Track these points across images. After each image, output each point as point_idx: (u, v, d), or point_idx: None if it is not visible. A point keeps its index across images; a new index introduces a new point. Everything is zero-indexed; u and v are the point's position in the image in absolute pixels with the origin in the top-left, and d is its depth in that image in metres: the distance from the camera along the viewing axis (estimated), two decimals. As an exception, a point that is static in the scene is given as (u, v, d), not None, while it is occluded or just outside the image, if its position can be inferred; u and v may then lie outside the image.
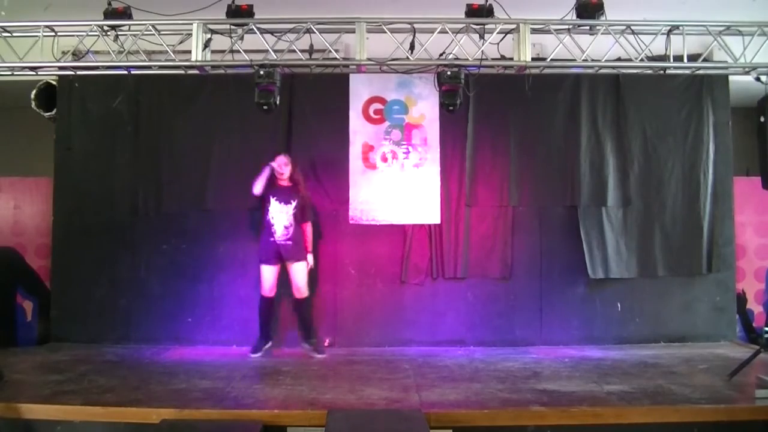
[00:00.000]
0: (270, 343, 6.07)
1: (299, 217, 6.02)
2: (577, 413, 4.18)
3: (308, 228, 6.12)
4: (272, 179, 6.03)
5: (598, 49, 5.25)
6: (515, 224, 6.62)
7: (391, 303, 6.56)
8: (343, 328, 6.48)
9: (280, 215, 5.96)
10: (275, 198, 5.99)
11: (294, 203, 6.00)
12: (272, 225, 5.96)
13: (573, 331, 6.54)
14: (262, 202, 6.03)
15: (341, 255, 6.55)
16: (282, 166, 5.99)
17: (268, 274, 6.00)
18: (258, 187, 5.95)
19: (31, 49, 5.26)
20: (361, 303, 6.56)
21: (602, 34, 5.26)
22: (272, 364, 5.69)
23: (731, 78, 6.48)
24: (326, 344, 6.18)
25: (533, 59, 5.30)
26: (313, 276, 6.22)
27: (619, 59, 5.42)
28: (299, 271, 5.98)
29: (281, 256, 5.98)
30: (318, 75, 5.57)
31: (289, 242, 5.96)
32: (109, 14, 5.14)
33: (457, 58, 5.21)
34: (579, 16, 5.14)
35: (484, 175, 6.64)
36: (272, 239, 5.96)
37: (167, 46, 5.22)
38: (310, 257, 6.10)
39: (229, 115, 6.54)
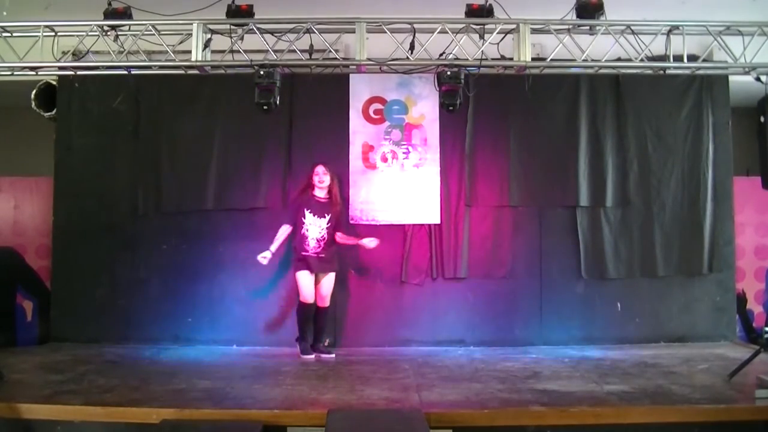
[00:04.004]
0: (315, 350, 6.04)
1: (332, 231, 5.96)
2: (577, 413, 4.18)
3: (340, 235, 6.03)
4: (308, 191, 5.98)
5: (598, 49, 5.24)
6: (515, 224, 6.62)
7: (391, 303, 6.56)
8: (343, 328, 6.48)
9: (314, 228, 5.91)
10: (310, 211, 5.92)
11: (328, 217, 5.93)
12: (306, 238, 5.91)
13: (573, 331, 6.54)
14: (296, 214, 5.95)
15: (341, 255, 6.53)
16: (321, 175, 5.93)
17: (307, 280, 5.91)
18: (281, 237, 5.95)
19: (31, 49, 5.26)
20: (361, 303, 6.56)
21: (602, 34, 5.25)
22: (272, 364, 5.69)
23: (731, 78, 6.48)
24: (326, 344, 6.18)
25: (533, 59, 5.30)
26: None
27: (619, 59, 5.42)
28: (328, 282, 5.98)
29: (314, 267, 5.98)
30: (318, 75, 5.57)
31: (322, 255, 5.91)
32: (109, 14, 5.14)
33: (457, 58, 5.20)
34: (579, 16, 5.13)
35: (484, 175, 6.64)
36: (306, 253, 5.91)
37: (167, 46, 5.21)
38: (366, 241, 6.07)
39: (229, 115, 6.55)
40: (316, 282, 5.96)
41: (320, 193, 5.97)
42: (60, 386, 4.72)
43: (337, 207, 6.03)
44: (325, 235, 5.93)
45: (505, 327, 6.55)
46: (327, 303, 6.03)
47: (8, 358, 5.52)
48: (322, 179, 5.95)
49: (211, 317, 6.52)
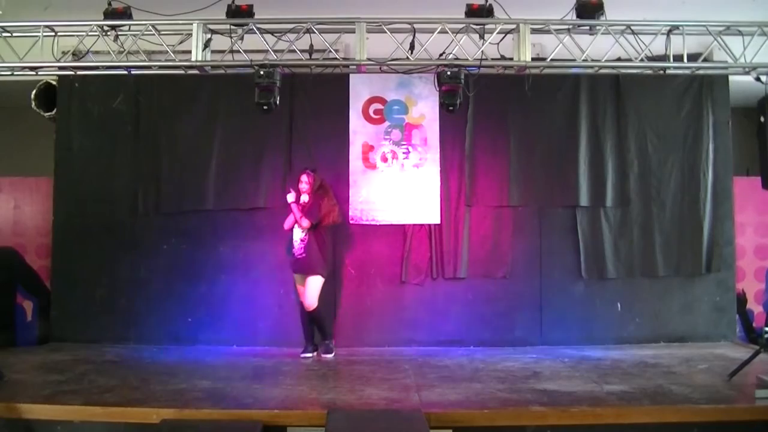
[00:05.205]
0: (314, 349, 6.03)
1: (311, 234, 5.93)
2: (577, 413, 4.18)
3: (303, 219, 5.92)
4: (297, 197, 6.02)
5: (598, 49, 5.24)
6: (515, 224, 6.62)
7: (391, 303, 6.57)
8: (343, 328, 6.47)
9: (296, 230, 5.98)
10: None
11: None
12: (292, 238, 6.00)
13: (573, 331, 6.54)
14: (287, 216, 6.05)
15: (341, 255, 6.55)
16: (303, 183, 6.00)
17: (298, 282, 6.06)
18: (287, 224, 6.01)
19: (31, 49, 5.26)
20: (361, 303, 6.56)
21: (602, 34, 5.25)
22: (272, 364, 5.69)
23: (731, 78, 6.47)
24: (325, 342, 6.17)
25: (533, 59, 5.29)
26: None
27: (619, 59, 5.41)
28: (309, 285, 5.94)
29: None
30: (318, 75, 5.57)
31: (303, 255, 5.94)
32: (109, 14, 5.13)
33: (457, 58, 5.20)
34: (579, 16, 5.13)
35: (484, 175, 6.65)
36: (292, 253, 6.00)
37: (167, 46, 5.21)
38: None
39: (229, 115, 6.56)
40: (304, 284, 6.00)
41: (303, 197, 6.02)
42: (60, 386, 4.73)
43: (313, 209, 5.96)
44: (306, 236, 5.93)
45: (505, 327, 6.55)
46: (310, 306, 5.93)
47: (8, 358, 5.53)
48: (302, 188, 6.02)
49: (212, 317, 6.52)
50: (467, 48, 5.24)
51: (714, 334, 6.56)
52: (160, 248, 6.59)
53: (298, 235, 5.97)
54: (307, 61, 5.38)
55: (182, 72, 5.38)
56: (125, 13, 5.14)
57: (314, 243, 5.94)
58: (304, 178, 6.03)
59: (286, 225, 6.04)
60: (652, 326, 6.57)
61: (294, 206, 5.93)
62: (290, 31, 5.25)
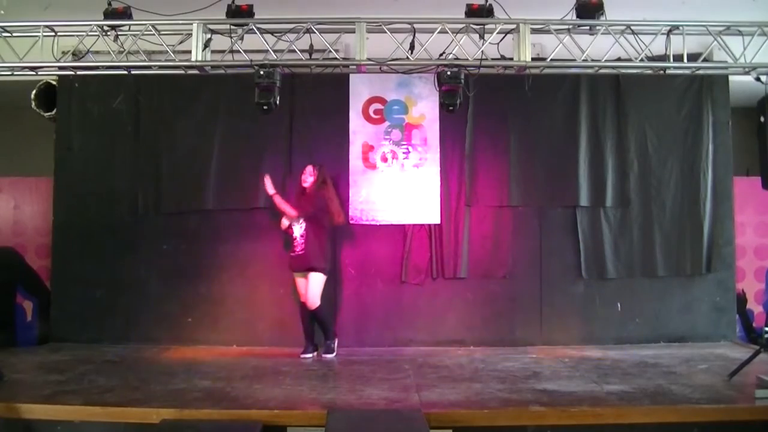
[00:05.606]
0: (314, 350, 6.03)
1: (311, 227, 5.94)
2: (577, 413, 4.18)
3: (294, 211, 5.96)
4: (298, 189, 6.05)
5: (598, 49, 5.24)
6: (515, 224, 6.62)
7: (391, 303, 6.57)
8: (343, 328, 6.46)
9: (295, 226, 5.99)
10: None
11: None
12: (291, 236, 6.00)
13: (573, 331, 6.55)
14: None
15: (341, 255, 6.54)
16: (306, 174, 6.03)
17: (296, 280, 6.06)
18: (283, 225, 6.08)
19: (31, 49, 5.25)
20: (361, 303, 6.56)
21: (602, 34, 5.25)
22: (272, 364, 5.69)
23: (731, 78, 6.48)
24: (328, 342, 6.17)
25: (533, 59, 5.28)
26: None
27: (619, 59, 5.41)
28: (311, 282, 5.91)
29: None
30: (318, 75, 5.57)
31: (302, 252, 5.95)
32: (109, 14, 5.13)
33: (457, 58, 5.20)
34: (579, 16, 5.13)
35: (484, 175, 6.65)
36: (291, 252, 6.01)
37: (167, 46, 5.21)
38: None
39: (229, 115, 6.56)
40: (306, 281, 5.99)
41: (305, 190, 6.06)
42: (60, 386, 4.73)
43: (311, 200, 5.97)
44: (305, 232, 5.93)
45: (505, 327, 6.55)
46: (312, 305, 5.91)
47: (8, 358, 5.52)
48: (305, 179, 6.04)
49: (211, 317, 6.52)
50: (467, 48, 5.23)
51: (714, 334, 6.56)
52: (160, 248, 6.59)
53: (297, 231, 5.97)
54: (307, 61, 5.39)
55: (182, 72, 5.38)
56: (125, 13, 5.14)
57: (314, 239, 5.94)
58: (309, 169, 6.05)
59: (283, 225, 6.05)
60: (652, 326, 6.57)
61: (277, 197, 5.95)
62: (290, 31, 5.25)
